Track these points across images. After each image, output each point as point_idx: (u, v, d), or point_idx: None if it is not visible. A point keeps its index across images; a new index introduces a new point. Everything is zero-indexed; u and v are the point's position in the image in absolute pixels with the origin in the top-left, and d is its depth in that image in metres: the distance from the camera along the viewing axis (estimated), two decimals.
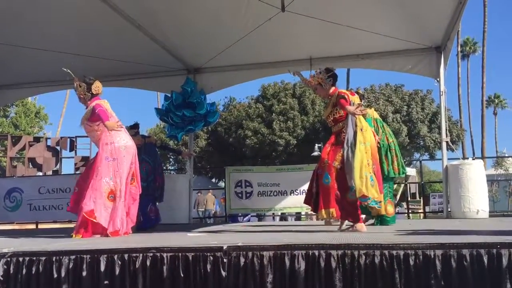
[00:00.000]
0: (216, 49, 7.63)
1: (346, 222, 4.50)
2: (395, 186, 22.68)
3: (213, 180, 25.33)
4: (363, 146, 4.30)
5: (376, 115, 5.96)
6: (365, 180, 4.18)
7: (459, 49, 39.37)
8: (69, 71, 4.98)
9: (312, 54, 8.00)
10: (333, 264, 2.49)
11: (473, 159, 8.06)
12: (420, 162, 12.99)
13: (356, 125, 4.37)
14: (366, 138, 4.37)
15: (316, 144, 19.23)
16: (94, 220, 4.45)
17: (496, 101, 48.53)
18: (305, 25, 6.84)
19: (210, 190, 18.30)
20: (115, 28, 6.88)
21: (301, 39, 7.60)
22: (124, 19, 6.61)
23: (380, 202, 4.46)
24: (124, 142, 4.76)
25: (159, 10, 6.62)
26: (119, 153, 4.66)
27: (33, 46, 7.19)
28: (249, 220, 11.91)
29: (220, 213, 16.80)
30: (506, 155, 28.65)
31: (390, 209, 5.67)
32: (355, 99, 4.64)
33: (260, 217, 11.36)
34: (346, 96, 4.47)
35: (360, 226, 4.35)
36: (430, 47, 7.77)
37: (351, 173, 4.19)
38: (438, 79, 7.76)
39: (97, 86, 4.94)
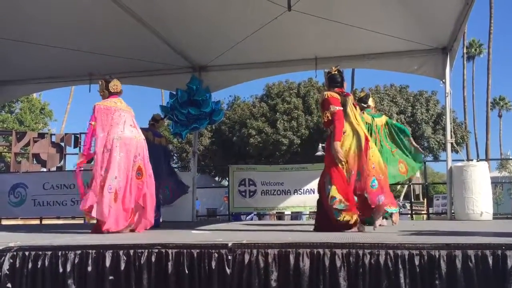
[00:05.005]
0: (221, 48, 7.64)
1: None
2: (398, 187, 22.42)
3: (217, 178, 25.34)
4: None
5: (368, 119, 5.91)
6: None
7: (464, 50, 39.32)
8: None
9: (318, 54, 7.99)
10: (338, 263, 2.49)
11: (477, 161, 8.04)
12: (424, 163, 12.93)
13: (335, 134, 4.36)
14: (343, 143, 4.36)
15: (320, 144, 19.22)
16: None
17: (501, 103, 48.41)
18: (311, 25, 6.83)
19: None
20: (121, 26, 6.89)
21: (307, 39, 7.59)
22: (130, 17, 6.63)
23: (347, 207, 4.32)
24: (120, 133, 4.73)
25: (165, 9, 6.63)
26: (112, 144, 4.65)
27: (39, 42, 7.21)
28: (252, 219, 11.91)
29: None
30: (511, 158, 28.53)
31: None
32: (349, 99, 4.55)
33: (260, 216, 11.37)
34: (329, 98, 4.44)
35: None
36: (436, 48, 7.74)
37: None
38: (443, 81, 7.72)
39: (115, 85, 5.02)
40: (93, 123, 4.74)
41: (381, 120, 6.17)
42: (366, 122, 5.73)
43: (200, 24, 7.06)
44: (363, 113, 5.83)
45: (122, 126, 4.78)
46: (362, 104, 5.91)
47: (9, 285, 2.73)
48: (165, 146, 7.06)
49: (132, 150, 4.76)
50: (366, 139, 4.46)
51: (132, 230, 4.71)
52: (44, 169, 14.74)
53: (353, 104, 4.59)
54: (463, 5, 6.23)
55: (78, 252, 2.74)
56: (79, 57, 7.66)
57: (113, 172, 4.57)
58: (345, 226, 4.20)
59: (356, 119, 4.51)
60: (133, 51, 7.71)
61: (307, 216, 11.77)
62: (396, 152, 6.08)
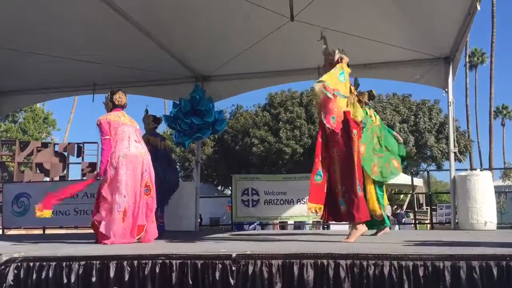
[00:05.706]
0: (224, 58, 7.67)
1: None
2: (401, 196, 22.29)
3: (219, 187, 25.32)
4: None
5: (372, 115, 6.02)
6: None
7: (467, 59, 39.34)
8: None
9: (321, 64, 7.92)
10: (342, 274, 2.49)
11: (481, 170, 8.01)
12: (428, 172, 12.94)
13: None
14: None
15: None
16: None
17: (504, 112, 48.31)
18: (314, 35, 6.83)
19: None
20: (125, 36, 6.93)
21: (310, 48, 7.56)
22: (134, 27, 6.66)
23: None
24: (126, 150, 4.68)
25: (168, 19, 6.66)
26: (118, 161, 4.61)
27: (42, 52, 7.26)
28: (254, 229, 11.87)
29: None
30: None
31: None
32: (352, 89, 4.77)
33: (263, 225, 11.34)
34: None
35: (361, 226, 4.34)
36: (439, 57, 7.76)
37: None
38: (446, 90, 7.72)
39: (119, 97, 4.96)
40: (108, 137, 4.70)
41: (378, 119, 6.27)
42: (368, 115, 5.86)
43: (203, 34, 7.10)
44: (369, 109, 6.03)
45: (127, 142, 4.73)
46: (366, 100, 6.04)
47: None
48: (167, 149, 7.25)
49: (139, 168, 4.71)
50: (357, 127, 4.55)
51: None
52: (47, 179, 14.73)
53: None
54: (465, 15, 6.26)
55: (82, 262, 2.74)
56: (82, 67, 7.70)
57: (120, 192, 4.55)
58: None
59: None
60: (136, 61, 7.76)
61: (310, 225, 11.73)
62: (386, 151, 6.14)
